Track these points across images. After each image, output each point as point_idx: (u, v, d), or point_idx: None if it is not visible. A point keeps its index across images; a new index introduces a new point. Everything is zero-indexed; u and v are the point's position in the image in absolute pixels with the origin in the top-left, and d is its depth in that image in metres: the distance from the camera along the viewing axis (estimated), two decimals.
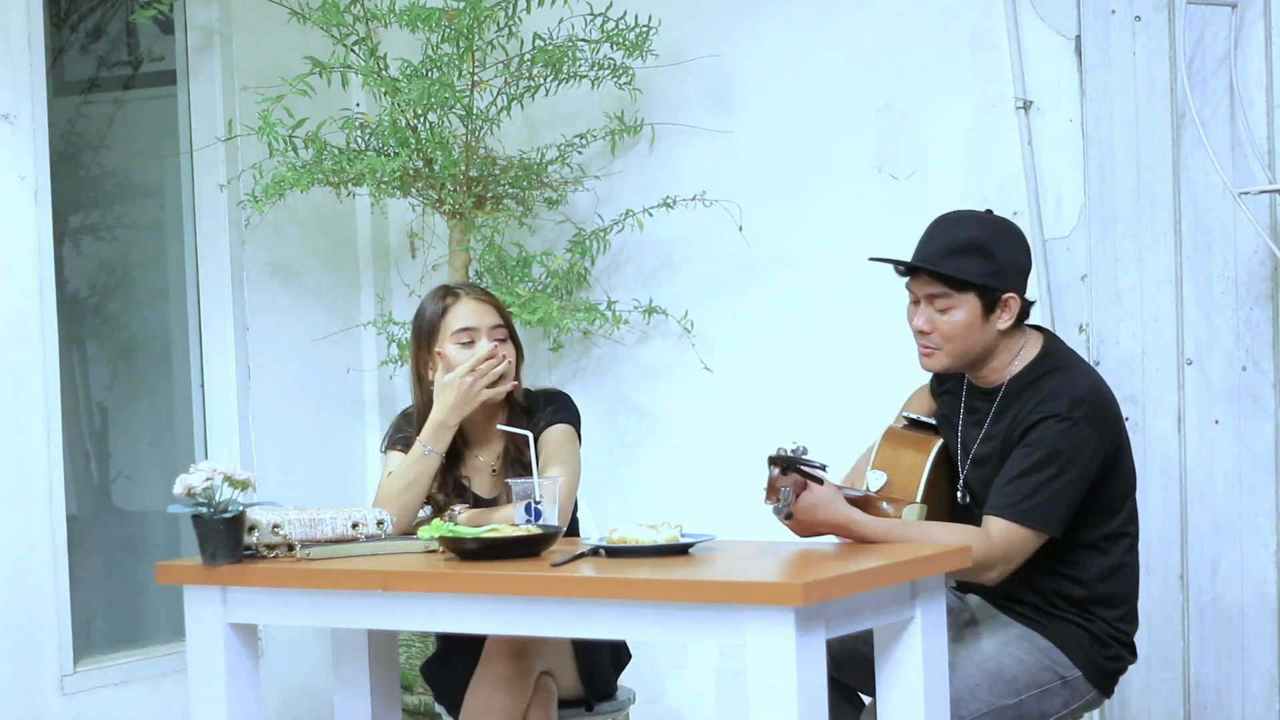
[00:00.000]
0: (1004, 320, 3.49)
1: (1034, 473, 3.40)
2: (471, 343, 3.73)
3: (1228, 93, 4.31)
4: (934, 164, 4.75)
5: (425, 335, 3.79)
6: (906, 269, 3.52)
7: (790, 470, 3.25)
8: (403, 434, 3.82)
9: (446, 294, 3.81)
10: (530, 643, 3.57)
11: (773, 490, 3.25)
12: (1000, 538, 3.38)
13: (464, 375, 3.67)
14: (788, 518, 3.27)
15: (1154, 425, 4.45)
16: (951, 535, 3.38)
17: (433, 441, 3.69)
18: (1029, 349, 3.56)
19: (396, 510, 3.65)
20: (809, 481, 3.27)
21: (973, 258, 3.46)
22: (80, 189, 5.30)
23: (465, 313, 3.76)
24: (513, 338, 3.81)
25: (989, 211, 3.60)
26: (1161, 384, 4.45)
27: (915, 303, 3.53)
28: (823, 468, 3.28)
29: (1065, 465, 3.40)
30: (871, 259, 3.62)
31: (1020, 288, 3.51)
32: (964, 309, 3.47)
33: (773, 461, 3.25)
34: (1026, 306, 3.54)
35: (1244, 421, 4.34)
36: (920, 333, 3.52)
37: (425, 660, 3.89)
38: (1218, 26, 4.33)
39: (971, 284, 3.45)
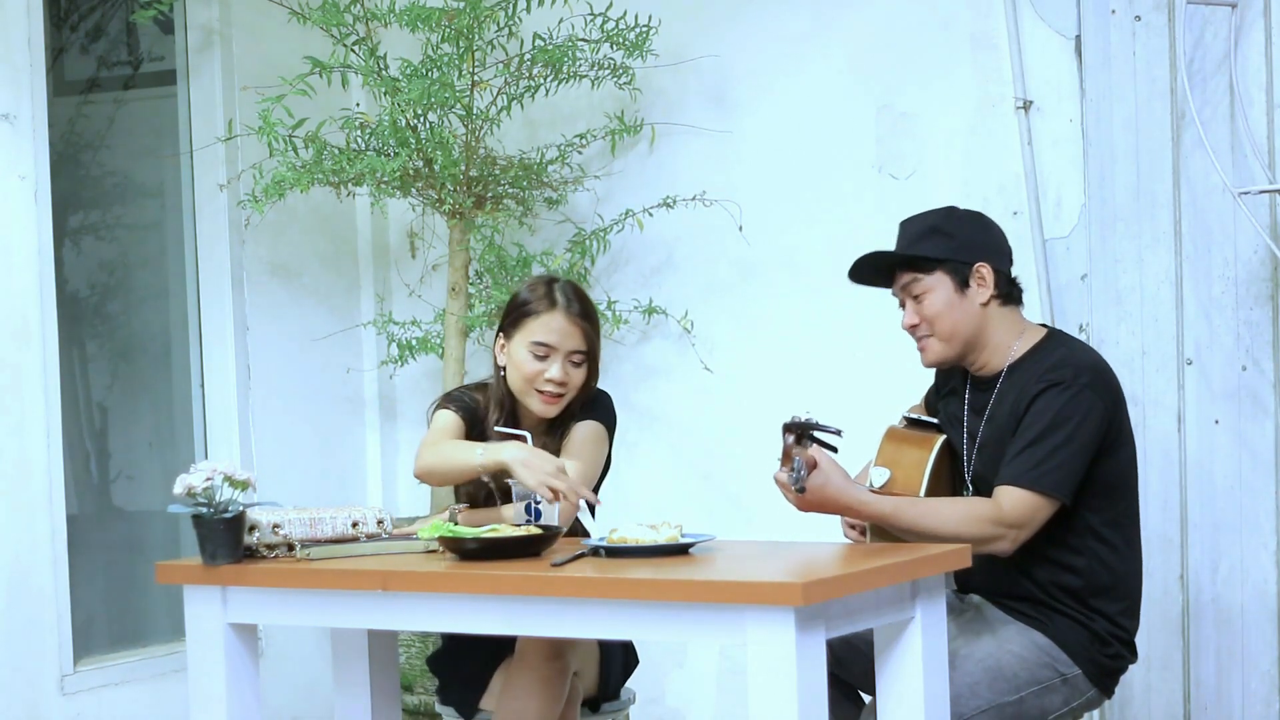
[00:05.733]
0: (982, 293, 3.54)
1: (1041, 440, 3.41)
2: (546, 357, 3.61)
3: (1228, 93, 4.31)
4: (934, 164, 4.75)
5: (510, 320, 3.65)
6: (878, 264, 3.60)
7: (805, 437, 3.25)
8: (457, 401, 3.67)
9: (549, 294, 3.63)
10: (565, 643, 3.51)
11: (787, 458, 3.25)
12: (1011, 505, 3.39)
13: (544, 481, 3.38)
14: (800, 491, 3.27)
15: (1154, 425, 4.44)
16: (958, 508, 3.39)
17: (486, 451, 3.49)
18: (1029, 336, 3.58)
19: (422, 470, 3.54)
20: (819, 462, 3.28)
21: (931, 239, 3.56)
22: (80, 189, 5.30)
23: (551, 329, 3.60)
24: (590, 361, 3.65)
25: (953, 207, 3.67)
26: (1161, 384, 4.45)
27: (901, 305, 3.61)
28: (838, 433, 3.28)
29: (1072, 431, 3.41)
30: (852, 279, 3.66)
31: (989, 258, 3.55)
32: (938, 288, 3.54)
33: (788, 429, 3.25)
34: (1007, 281, 3.57)
35: (1244, 421, 4.34)
36: (911, 329, 3.59)
37: (432, 654, 3.85)
38: (1218, 26, 4.33)
39: (937, 261, 3.53)
